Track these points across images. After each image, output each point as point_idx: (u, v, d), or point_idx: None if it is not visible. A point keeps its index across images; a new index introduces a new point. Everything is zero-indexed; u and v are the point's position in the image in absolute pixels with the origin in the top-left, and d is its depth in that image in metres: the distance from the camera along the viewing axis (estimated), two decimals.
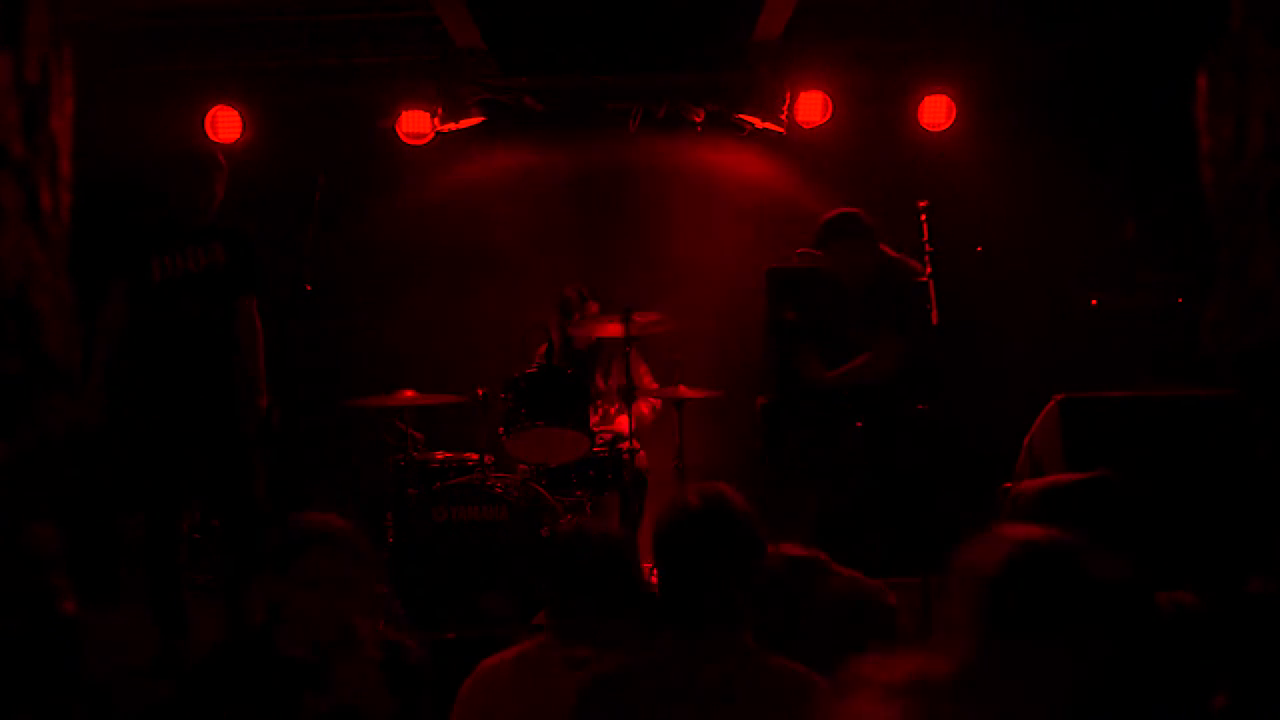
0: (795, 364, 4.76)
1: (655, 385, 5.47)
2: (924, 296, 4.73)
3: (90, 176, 1.63)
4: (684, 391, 5.05)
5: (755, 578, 2.18)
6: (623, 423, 5.24)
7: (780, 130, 6.09)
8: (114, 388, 4.10)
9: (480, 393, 4.94)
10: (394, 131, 6.11)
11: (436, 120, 6.07)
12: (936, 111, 6.03)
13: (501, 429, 4.82)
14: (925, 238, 4.91)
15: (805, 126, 6.08)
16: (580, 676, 2.20)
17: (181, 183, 4.26)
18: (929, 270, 4.86)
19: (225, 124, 6.03)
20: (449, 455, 5.03)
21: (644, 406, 5.31)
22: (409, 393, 4.91)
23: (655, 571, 2.25)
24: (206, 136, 5.99)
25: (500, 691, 2.36)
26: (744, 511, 2.16)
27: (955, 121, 6.04)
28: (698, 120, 6.21)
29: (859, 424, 4.52)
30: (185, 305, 4.17)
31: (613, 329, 5.07)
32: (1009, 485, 3.80)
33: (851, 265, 4.70)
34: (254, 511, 4.15)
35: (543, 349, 5.61)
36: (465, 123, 6.14)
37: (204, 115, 6.00)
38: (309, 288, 4.87)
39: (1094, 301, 5.55)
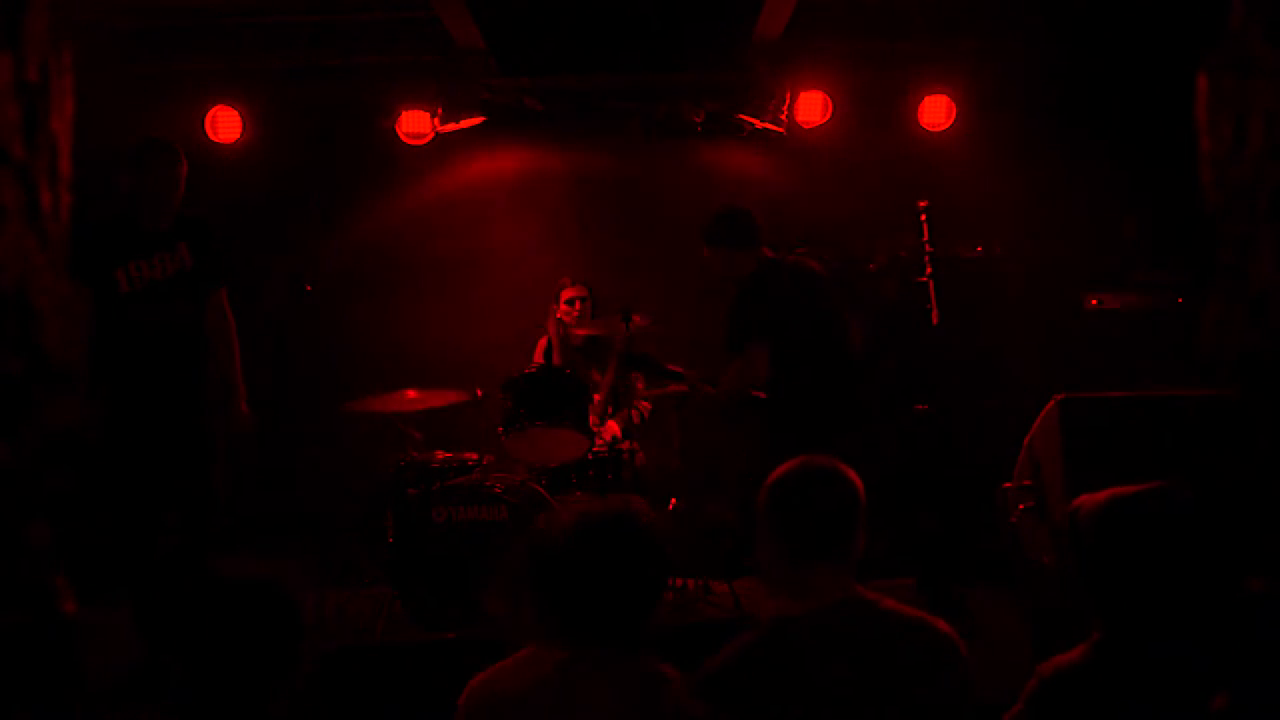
0: (690, 393, 4.75)
1: (644, 389, 5.48)
2: (820, 296, 4.68)
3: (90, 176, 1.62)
4: (683, 389, 5.06)
5: (657, 596, 2.02)
6: (610, 429, 5.24)
7: (780, 130, 6.10)
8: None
9: (480, 393, 4.94)
10: (394, 131, 6.11)
11: (436, 120, 6.08)
12: (936, 111, 6.04)
13: (501, 429, 4.82)
14: (925, 238, 4.92)
15: (805, 126, 6.08)
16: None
17: (144, 178, 4.06)
18: (929, 270, 4.87)
19: (225, 124, 6.03)
20: (449, 455, 5.03)
21: (634, 414, 5.32)
22: (409, 393, 4.91)
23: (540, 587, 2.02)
24: (207, 136, 6.00)
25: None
26: (647, 526, 2.00)
27: (955, 121, 6.05)
28: (698, 120, 6.22)
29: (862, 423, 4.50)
30: (154, 314, 4.04)
31: (611, 329, 5.07)
32: (1009, 485, 3.81)
33: (730, 267, 4.66)
34: (210, 519, 4.11)
35: (542, 345, 5.62)
36: (465, 123, 6.14)
37: (204, 115, 6.01)
38: (309, 288, 4.87)
39: (1094, 301, 5.56)
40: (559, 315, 5.52)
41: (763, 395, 4.67)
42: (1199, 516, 2.06)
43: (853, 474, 2.21)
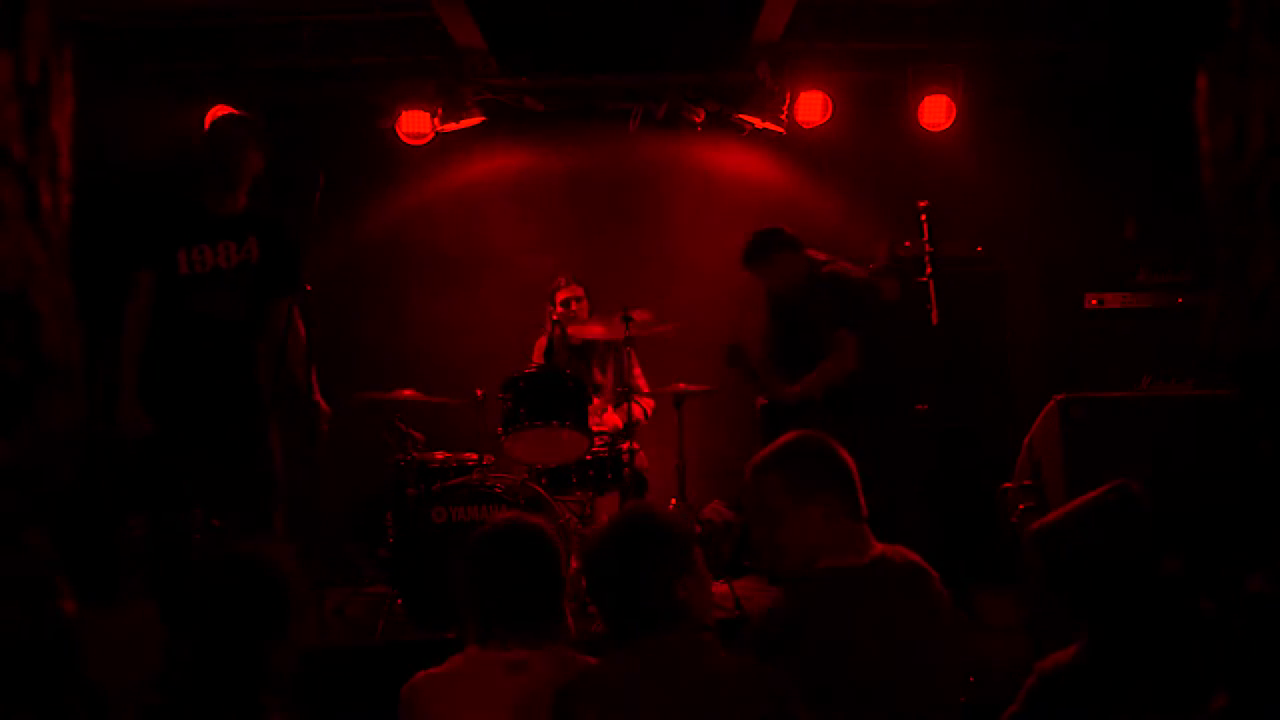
0: (759, 392, 4.83)
1: (647, 389, 5.48)
2: (868, 293, 4.82)
3: (91, 176, 1.62)
4: (682, 387, 5.06)
5: (685, 579, 2.15)
6: (612, 419, 5.24)
7: (780, 130, 6.10)
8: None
9: (480, 393, 4.94)
10: (394, 131, 6.11)
11: (436, 120, 6.07)
12: (936, 111, 6.03)
13: (500, 429, 4.82)
14: (925, 238, 4.92)
15: (805, 126, 6.08)
16: (521, 680, 2.20)
17: (216, 153, 3.91)
18: (929, 270, 4.87)
19: None
20: (449, 455, 5.03)
21: (636, 409, 5.32)
22: (409, 392, 4.91)
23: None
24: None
25: (442, 702, 2.29)
26: (662, 518, 2.21)
27: (955, 121, 6.04)
28: (698, 120, 6.22)
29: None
30: (213, 304, 3.87)
31: (612, 328, 5.07)
32: (1009, 485, 3.81)
33: (785, 276, 4.84)
34: (265, 519, 4.02)
35: (542, 344, 5.61)
36: (465, 123, 6.14)
37: (204, 115, 6.00)
38: (309, 288, 4.86)
39: (1094, 301, 5.56)
40: (555, 316, 5.51)
41: (764, 400, 4.75)
42: (1136, 524, 2.12)
43: (830, 439, 2.49)
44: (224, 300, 3.89)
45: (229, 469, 3.90)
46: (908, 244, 5.28)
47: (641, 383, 5.47)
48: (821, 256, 4.89)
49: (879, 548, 2.41)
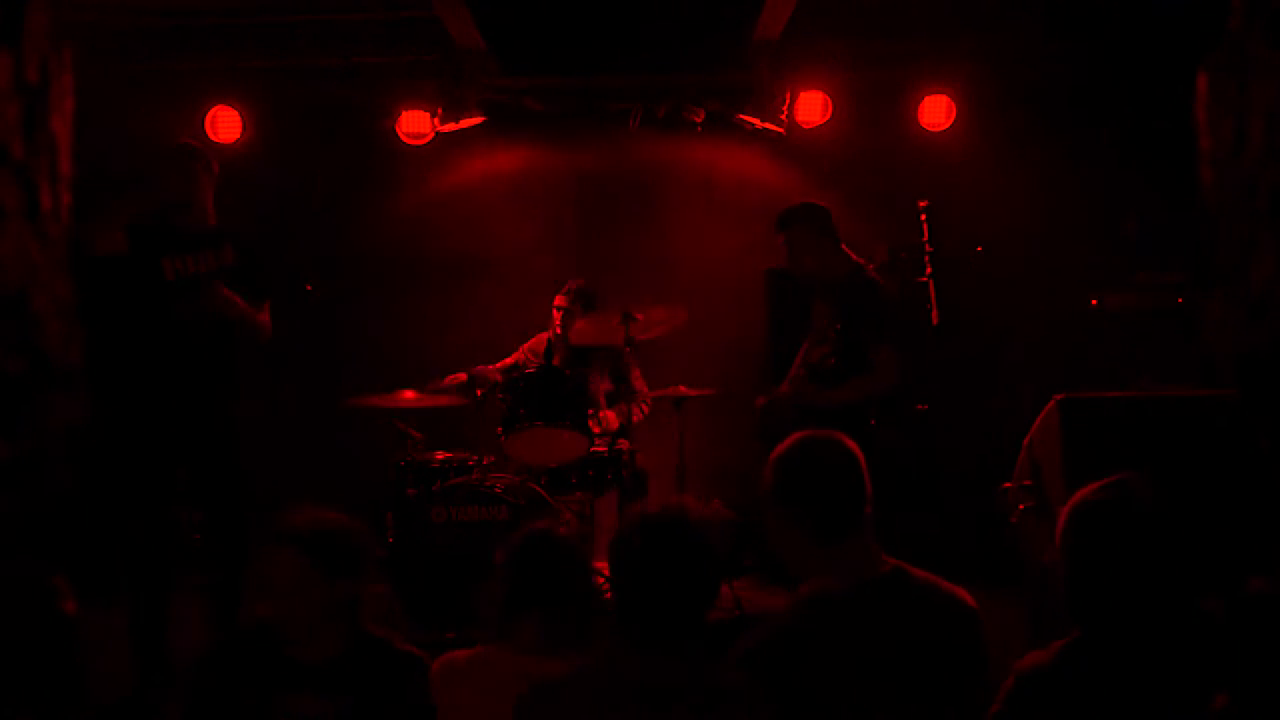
0: (794, 398, 4.60)
1: (646, 390, 5.46)
2: (891, 299, 4.61)
3: (91, 176, 1.62)
4: (683, 390, 5.06)
5: (710, 591, 2.09)
6: (609, 418, 5.23)
7: (780, 130, 6.10)
8: (113, 385, 4.03)
9: (479, 393, 4.93)
10: (394, 131, 6.11)
11: (436, 120, 6.08)
12: (936, 111, 6.03)
13: (500, 429, 4.82)
14: (925, 238, 4.93)
15: (805, 126, 6.08)
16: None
17: (170, 179, 4.16)
18: (929, 270, 4.87)
19: (225, 124, 6.03)
20: (449, 455, 5.03)
21: (635, 413, 5.31)
22: (409, 393, 4.91)
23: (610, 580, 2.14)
24: (207, 136, 6.00)
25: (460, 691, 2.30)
26: (702, 526, 2.06)
27: (955, 121, 6.04)
28: (698, 120, 6.22)
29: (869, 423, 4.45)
30: (195, 306, 4.08)
31: (611, 329, 5.07)
32: (1009, 485, 3.81)
33: (817, 261, 4.45)
34: (243, 509, 4.11)
35: (542, 340, 5.59)
36: (465, 123, 6.14)
37: (204, 115, 6.01)
38: (309, 288, 4.87)
39: (1094, 301, 5.56)
40: (581, 334, 5.48)
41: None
42: (1156, 515, 2.09)
43: (846, 438, 2.25)
44: (207, 301, 4.09)
45: (206, 458, 4.10)
46: (908, 244, 5.28)
47: (641, 384, 5.46)
48: (856, 257, 4.52)
49: (890, 565, 2.24)
